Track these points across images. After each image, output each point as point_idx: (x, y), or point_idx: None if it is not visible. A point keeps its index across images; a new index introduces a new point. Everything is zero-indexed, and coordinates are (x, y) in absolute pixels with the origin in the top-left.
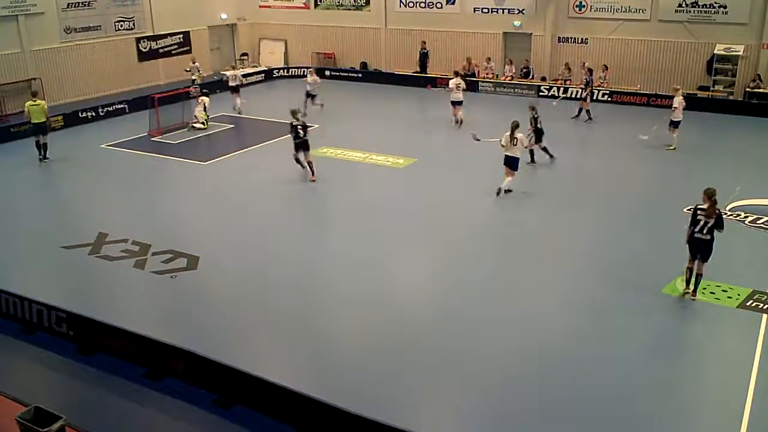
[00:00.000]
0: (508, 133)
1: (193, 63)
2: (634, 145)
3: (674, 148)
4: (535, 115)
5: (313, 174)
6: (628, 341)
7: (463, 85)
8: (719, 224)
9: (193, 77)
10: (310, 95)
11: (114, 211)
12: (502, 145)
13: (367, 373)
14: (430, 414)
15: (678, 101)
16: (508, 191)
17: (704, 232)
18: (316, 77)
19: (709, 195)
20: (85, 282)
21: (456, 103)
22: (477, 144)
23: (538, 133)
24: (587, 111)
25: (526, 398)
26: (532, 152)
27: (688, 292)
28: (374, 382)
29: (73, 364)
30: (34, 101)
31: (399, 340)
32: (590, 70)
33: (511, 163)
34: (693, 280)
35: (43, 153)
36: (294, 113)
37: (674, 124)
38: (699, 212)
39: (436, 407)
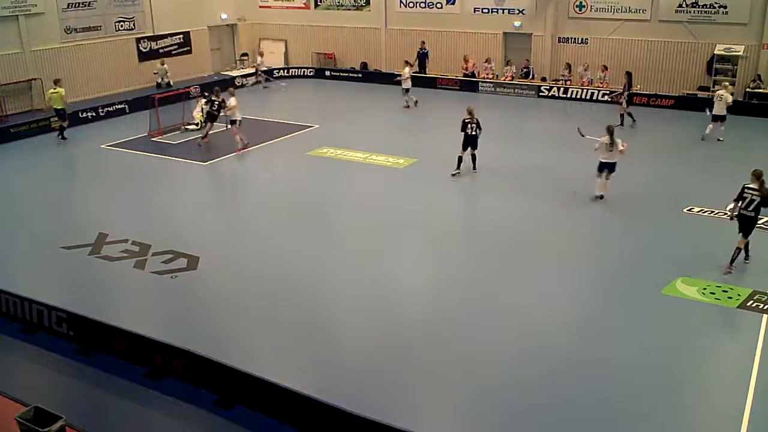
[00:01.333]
0: (607, 138)
1: (162, 65)
2: (632, 146)
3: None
4: (467, 120)
5: (205, 137)
6: (628, 342)
7: (410, 72)
8: (765, 202)
9: (158, 81)
10: (233, 121)
11: (114, 211)
12: (596, 149)
13: (367, 373)
14: (430, 414)
15: (716, 95)
16: (600, 197)
17: (750, 209)
18: (232, 99)
19: (757, 175)
20: (85, 282)
21: (406, 90)
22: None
23: (474, 141)
24: (629, 114)
25: (525, 399)
26: (460, 160)
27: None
28: (374, 382)
29: (73, 364)
30: (54, 89)
31: (399, 340)
32: (629, 74)
33: (611, 168)
34: (734, 255)
35: (60, 134)
36: (216, 92)
37: (715, 118)
38: (746, 190)
39: (436, 407)
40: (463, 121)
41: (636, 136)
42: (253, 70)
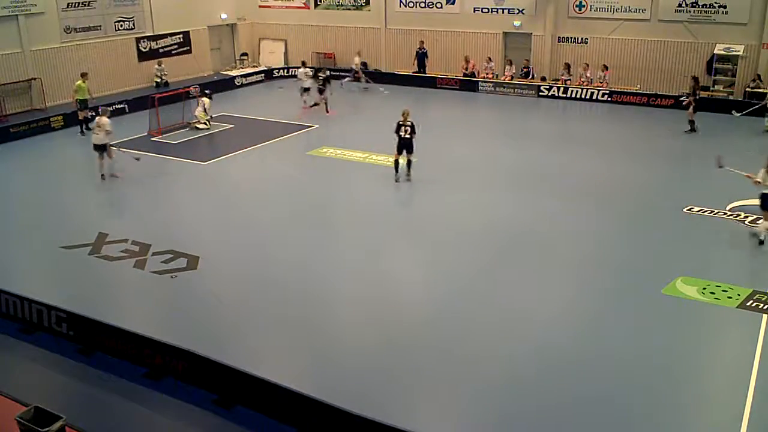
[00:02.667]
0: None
1: (159, 66)
2: (632, 146)
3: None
4: (400, 122)
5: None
6: (628, 342)
7: (310, 73)
8: None
9: (157, 80)
10: (100, 148)
11: (114, 211)
12: (757, 182)
13: (367, 373)
14: (430, 414)
15: None
16: (761, 242)
17: None
18: (105, 120)
19: None
20: (85, 282)
21: (305, 90)
22: (476, 144)
23: (408, 144)
24: (691, 122)
25: (525, 399)
26: (397, 164)
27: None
28: (375, 382)
29: (73, 364)
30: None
31: (399, 340)
32: (695, 79)
33: None
34: None
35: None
36: (324, 70)
37: None
38: None
39: (437, 407)
40: (397, 123)
41: (695, 141)
42: (253, 70)
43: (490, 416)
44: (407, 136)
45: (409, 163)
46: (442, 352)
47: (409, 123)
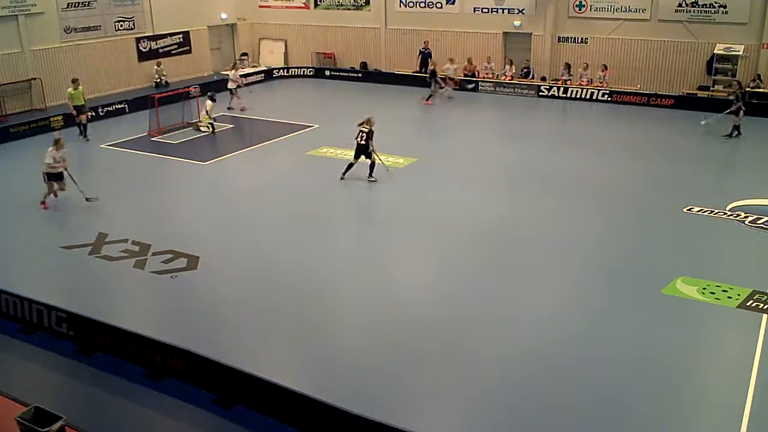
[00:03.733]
0: None
1: (158, 66)
2: (632, 146)
3: None
4: (363, 129)
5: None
6: (628, 342)
7: (237, 75)
8: None
9: (156, 80)
10: (53, 177)
11: (114, 211)
12: None
13: (368, 374)
14: (431, 414)
15: None
16: None
17: None
18: (60, 151)
19: None
20: (85, 282)
21: (232, 90)
22: (477, 144)
23: (364, 150)
24: (737, 126)
25: (525, 400)
26: (349, 167)
27: None
28: (375, 382)
29: (73, 364)
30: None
31: (400, 341)
32: (740, 83)
33: None
34: None
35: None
36: (432, 62)
37: None
38: None
39: (437, 408)
40: (361, 131)
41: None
42: (253, 69)
43: (491, 416)
44: (362, 141)
45: (370, 166)
46: (443, 352)
47: (365, 130)
